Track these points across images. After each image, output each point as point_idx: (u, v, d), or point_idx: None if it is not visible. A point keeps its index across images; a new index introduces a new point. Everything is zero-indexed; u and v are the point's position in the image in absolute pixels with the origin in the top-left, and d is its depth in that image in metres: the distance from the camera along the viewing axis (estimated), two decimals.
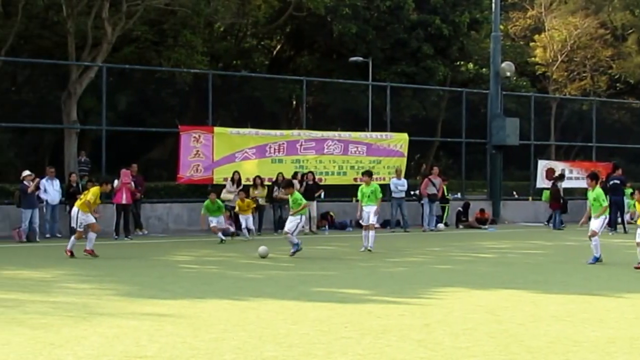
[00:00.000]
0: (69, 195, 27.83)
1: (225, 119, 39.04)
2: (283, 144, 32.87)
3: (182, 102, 44.89)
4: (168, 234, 29.17)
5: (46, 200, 27.46)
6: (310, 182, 30.92)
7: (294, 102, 45.64)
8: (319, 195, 31.45)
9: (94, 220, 20.73)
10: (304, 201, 21.68)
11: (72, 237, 20.63)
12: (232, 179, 29.83)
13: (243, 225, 27.26)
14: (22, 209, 26.26)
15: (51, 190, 27.66)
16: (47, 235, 27.35)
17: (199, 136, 31.28)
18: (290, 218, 21.48)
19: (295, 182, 30.66)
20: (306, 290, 14.69)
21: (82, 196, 21.29)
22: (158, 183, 32.35)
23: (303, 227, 23.51)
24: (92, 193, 20.75)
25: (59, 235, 27.64)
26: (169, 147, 36.89)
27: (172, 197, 31.49)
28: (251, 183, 30.45)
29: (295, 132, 34.45)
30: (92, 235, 20.43)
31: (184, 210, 30.94)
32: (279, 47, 50.29)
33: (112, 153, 30.58)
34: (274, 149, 32.64)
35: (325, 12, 40.55)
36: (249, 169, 31.42)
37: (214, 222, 26.13)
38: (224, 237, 25.87)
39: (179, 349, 9.32)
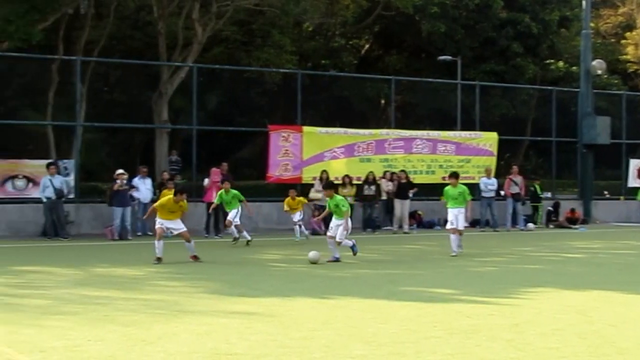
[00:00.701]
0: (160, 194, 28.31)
1: (314, 118, 39.16)
2: (371, 143, 32.85)
3: (271, 102, 45.13)
4: (257, 233, 29.33)
5: (138, 199, 27.89)
6: (403, 181, 30.87)
7: (382, 102, 45.52)
8: (413, 194, 31.29)
9: (182, 228, 19.36)
10: (347, 207, 19.67)
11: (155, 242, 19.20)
12: (321, 178, 29.91)
13: (295, 219, 26.30)
14: (114, 207, 26.72)
15: (143, 188, 28.10)
16: (139, 233, 27.79)
17: (288, 135, 31.45)
18: (334, 221, 19.65)
19: (384, 181, 30.68)
20: (394, 289, 14.64)
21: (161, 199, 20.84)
22: (247, 182, 32.56)
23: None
24: (161, 202, 19.65)
25: (150, 234, 27.99)
26: (258, 147, 37.10)
27: (262, 196, 31.66)
28: (340, 182, 30.49)
29: (384, 131, 34.37)
30: (187, 245, 19.32)
31: (273, 209, 31.08)
32: (367, 46, 50.23)
33: (202, 152, 30.93)
34: (363, 148, 32.65)
35: (413, 11, 40.38)
36: (338, 168, 31.47)
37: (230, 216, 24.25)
38: (237, 235, 24.28)
39: (268, 347, 9.36)
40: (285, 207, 26.71)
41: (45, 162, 27.97)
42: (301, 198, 27.01)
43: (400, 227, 30.48)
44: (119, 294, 13.87)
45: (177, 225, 19.31)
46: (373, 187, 30.73)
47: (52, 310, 12.04)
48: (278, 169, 31.16)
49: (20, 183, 28.05)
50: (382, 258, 20.86)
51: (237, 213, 24.13)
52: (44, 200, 26.47)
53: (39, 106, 37.19)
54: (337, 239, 19.46)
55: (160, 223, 18.87)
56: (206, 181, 27.95)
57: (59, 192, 26.44)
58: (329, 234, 19.76)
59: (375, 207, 31.08)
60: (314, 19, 39.83)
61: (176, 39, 35.28)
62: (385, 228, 31.27)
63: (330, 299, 13.29)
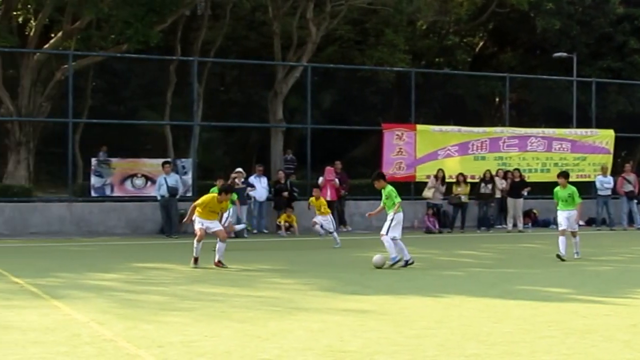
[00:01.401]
0: (276, 192, 28.58)
1: (428, 117, 38.96)
2: (486, 141, 32.51)
3: (385, 100, 45.09)
4: (371, 231, 29.31)
5: (254, 197, 28.19)
6: (517, 179, 30.49)
7: (497, 99, 45.02)
8: (527, 193, 30.87)
9: (218, 227, 18.14)
10: (399, 198, 17.91)
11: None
12: (436, 177, 29.76)
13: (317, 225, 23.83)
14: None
15: (259, 187, 28.39)
16: (255, 231, 28.09)
17: (402, 134, 31.37)
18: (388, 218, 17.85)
19: (497, 179, 30.32)
20: (509, 288, 14.45)
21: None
22: (361, 180, 32.52)
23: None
24: (203, 201, 18.20)
25: (266, 231, 28.38)
26: (372, 145, 37.12)
27: (375, 194, 31.54)
28: (454, 180, 30.31)
29: (498, 129, 33.99)
30: (220, 245, 17.86)
31: None
32: (481, 44, 49.73)
33: (316, 151, 31.07)
34: (477, 146, 32.33)
35: (528, 7, 39.81)
36: (452, 167, 31.24)
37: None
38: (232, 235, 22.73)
39: (381, 345, 9.34)
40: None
41: (162, 160, 28.53)
42: (323, 200, 24.49)
43: (515, 225, 30.08)
44: (235, 290, 14.04)
45: (215, 225, 18.15)
46: (490, 186, 30.42)
47: (169, 306, 12.26)
48: (392, 167, 31.09)
49: (139, 182, 28.68)
50: (496, 256, 20.62)
51: (229, 215, 21.84)
52: (159, 198, 27.04)
53: (157, 106, 38.00)
54: (383, 233, 17.71)
55: (200, 223, 17.90)
56: (320, 180, 28.08)
57: (172, 191, 26.96)
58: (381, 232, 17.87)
59: (491, 205, 30.75)
60: (427, 17, 39.63)
61: (291, 38, 35.57)
62: (499, 226, 30.92)
63: (443, 297, 13.20)
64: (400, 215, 17.85)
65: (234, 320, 10.95)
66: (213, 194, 18.77)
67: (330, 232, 23.33)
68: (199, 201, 18.15)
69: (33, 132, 32.88)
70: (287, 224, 28.02)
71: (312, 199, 24.60)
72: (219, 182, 21.37)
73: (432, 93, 42.41)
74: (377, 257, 17.83)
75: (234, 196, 22.56)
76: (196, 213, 17.92)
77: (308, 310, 11.83)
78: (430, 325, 10.65)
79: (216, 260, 17.62)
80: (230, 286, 14.59)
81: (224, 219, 20.36)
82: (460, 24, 45.40)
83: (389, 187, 18.11)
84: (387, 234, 17.59)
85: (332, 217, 23.73)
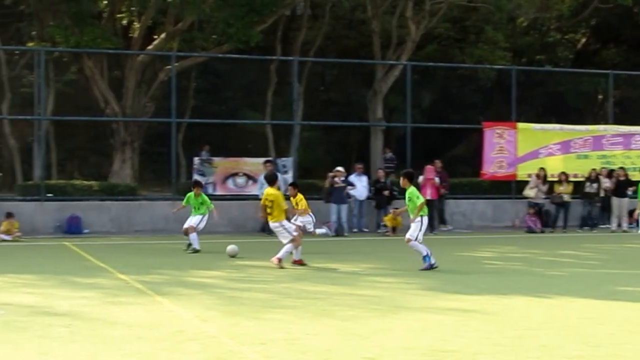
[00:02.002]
0: (376, 191, 28.56)
1: (529, 115, 38.39)
2: (588, 139, 31.96)
3: (485, 98, 44.62)
4: (472, 230, 29.14)
5: (354, 196, 28.22)
6: (622, 178, 29.89)
7: (599, 97, 44.16)
8: (632, 192, 30.22)
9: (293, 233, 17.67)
10: (421, 199, 17.05)
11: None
12: (538, 175, 29.36)
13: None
14: (331, 204, 27.16)
15: (359, 186, 28.41)
16: (355, 230, 28.12)
17: (503, 132, 31.05)
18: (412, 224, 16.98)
19: (601, 178, 29.76)
20: (613, 289, 14.17)
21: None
22: (462, 179, 32.35)
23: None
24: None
25: (366, 230, 28.38)
26: (472, 144, 36.80)
27: (476, 193, 31.38)
28: (556, 179, 29.87)
29: (601, 127, 33.38)
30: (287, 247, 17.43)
31: (488, 207, 30.80)
32: (583, 40, 48.79)
33: (416, 149, 30.96)
34: (579, 145, 31.81)
35: (632, 2, 38.91)
36: (554, 165, 30.79)
37: (192, 220, 21.53)
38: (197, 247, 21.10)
39: (483, 345, 9.26)
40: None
41: (264, 160, 28.76)
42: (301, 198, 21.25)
43: (619, 225, 29.49)
44: (336, 289, 14.08)
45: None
46: (595, 185, 29.89)
47: (272, 303, 12.36)
48: (492, 166, 30.81)
49: (240, 180, 28.99)
50: (600, 257, 20.24)
51: (201, 219, 21.55)
52: (260, 196, 27.22)
53: (258, 106, 38.34)
54: (407, 237, 17.00)
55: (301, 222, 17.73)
56: (420, 178, 27.94)
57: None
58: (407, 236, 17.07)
59: (596, 205, 30.20)
60: (528, 13, 39.06)
61: (390, 37, 35.50)
62: (602, 226, 30.32)
63: (547, 298, 13.01)
64: (426, 218, 17.18)
65: (336, 318, 10.99)
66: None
67: (311, 232, 20.79)
68: (284, 201, 17.94)
69: (137, 131, 33.52)
70: (391, 226, 27.73)
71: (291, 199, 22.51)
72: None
73: (533, 91, 41.80)
74: (230, 247, 18.66)
75: (210, 204, 21.99)
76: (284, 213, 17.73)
77: (409, 309, 11.80)
78: (533, 325, 10.52)
79: (296, 259, 17.69)
80: (332, 284, 14.64)
81: (194, 222, 21.11)
82: (561, 21, 44.60)
83: (412, 188, 17.15)
84: (416, 239, 16.85)
85: (312, 215, 20.99)
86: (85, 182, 29.75)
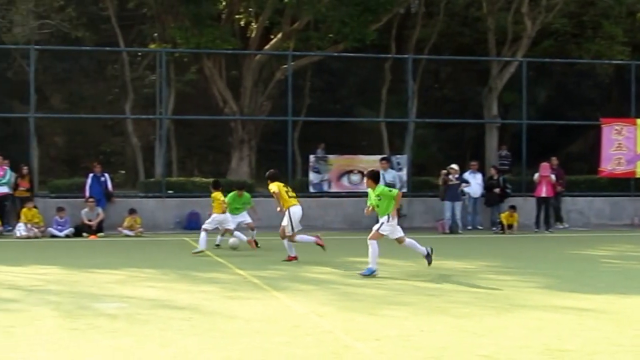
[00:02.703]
0: (488, 188, 28.25)
1: None
2: None
3: (603, 94, 43.63)
4: (589, 228, 28.56)
5: (468, 193, 27.98)
6: None
7: None
8: None
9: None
10: (394, 191, 15.88)
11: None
12: None
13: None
14: (445, 201, 27.00)
15: (473, 183, 28.16)
16: (469, 227, 27.87)
17: (621, 129, 30.34)
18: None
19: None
20: None
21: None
22: (578, 176, 31.71)
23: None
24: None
25: (480, 228, 28.10)
26: (589, 140, 36.09)
27: (593, 190, 30.73)
28: None
29: None
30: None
31: (605, 204, 30.15)
32: None
33: (532, 146, 30.50)
34: None
35: None
36: None
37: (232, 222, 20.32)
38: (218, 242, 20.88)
39: (600, 345, 9.06)
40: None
41: (379, 157, 28.75)
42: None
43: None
44: (451, 286, 13.98)
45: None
46: None
47: (386, 300, 12.35)
48: (610, 163, 30.13)
49: (355, 177, 29.06)
50: None
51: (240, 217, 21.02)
52: None
53: (373, 104, 38.33)
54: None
55: None
56: (536, 176, 27.52)
57: (390, 186, 27.06)
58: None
59: None
60: None
61: (505, 33, 35.06)
62: None
63: None
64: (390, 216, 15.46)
65: (451, 316, 10.91)
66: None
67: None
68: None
69: (255, 130, 33.92)
70: (506, 224, 27.41)
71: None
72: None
73: None
74: (231, 240, 18.57)
75: (251, 202, 21.83)
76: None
77: (525, 307, 11.63)
78: None
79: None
80: (446, 282, 14.54)
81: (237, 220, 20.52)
82: None
83: (380, 187, 15.87)
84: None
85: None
86: (204, 180, 30.21)
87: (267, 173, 18.66)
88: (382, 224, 15.40)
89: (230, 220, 20.14)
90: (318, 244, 18.08)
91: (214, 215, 19.76)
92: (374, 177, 16.04)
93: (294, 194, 18.18)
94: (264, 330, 9.78)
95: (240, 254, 19.35)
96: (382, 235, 15.33)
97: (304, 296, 12.65)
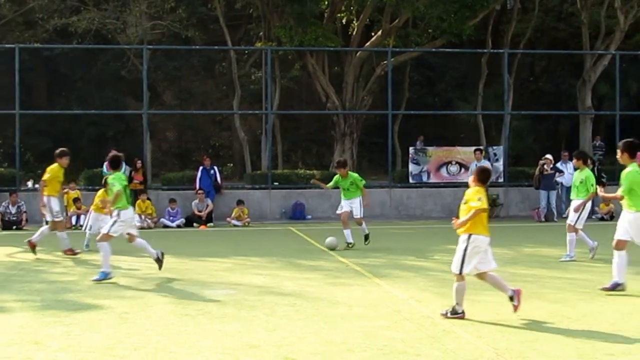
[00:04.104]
0: None
1: None
2: None
3: None
4: None
5: (561, 183, 27.54)
6: None
7: None
8: None
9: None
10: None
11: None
12: None
13: None
14: (540, 190, 26.65)
15: (567, 173, 27.71)
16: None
17: None
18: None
19: None
20: None
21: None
22: None
23: None
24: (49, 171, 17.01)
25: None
26: None
27: None
28: None
29: None
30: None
31: None
32: None
33: (625, 136, 29.73)
34: None
35: None
36: None
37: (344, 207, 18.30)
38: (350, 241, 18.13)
39: None
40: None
41: (474, 148, 28.54)
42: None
43: None
44: (546, 272, 13.83)
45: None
46: None
47: (483, 286, 12.17)
48: None
49: (453, 168, 28.93)
50: None
51: (359, 205, 18.17)
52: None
53: (470, 97, 38.01)
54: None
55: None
56: None
57: None
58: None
59: None
60: None
61: (599, 28, 34.43)
62: None
63: None
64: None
65: (546, 301, 10.81)
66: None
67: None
68: None
69: (356, 123, 33.97)
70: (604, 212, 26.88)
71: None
72: None
73: None
74: (329, 240, 17.84)
75: (361, 182, 18.27)
76: None
77: (618, 293, 11.42)
78: None
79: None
80: (542, 268, 14.40)
81: (355, 211, 18.07)
82: None
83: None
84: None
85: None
86: (308, 172, 30.43)
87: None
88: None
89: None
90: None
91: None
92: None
93: None
94: (366, 315, 9.84)
95: (342, 242, 19.43)
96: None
97: (404, 283, 12.67)
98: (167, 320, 9.70)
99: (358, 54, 33.81)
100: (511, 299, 9.70)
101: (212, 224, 25.45)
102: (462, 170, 28.64)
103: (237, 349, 8.20)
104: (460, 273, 9.67)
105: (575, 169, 16.74)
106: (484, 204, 9.74)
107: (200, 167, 27.48)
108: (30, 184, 28.80)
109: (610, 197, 12.81)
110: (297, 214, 27.45)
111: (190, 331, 9.08)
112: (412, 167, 29.23)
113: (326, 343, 8.44)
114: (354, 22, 34.88)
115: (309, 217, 27.52)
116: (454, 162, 29.03)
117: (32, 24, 36.27)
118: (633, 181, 11.32)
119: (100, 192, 17.10)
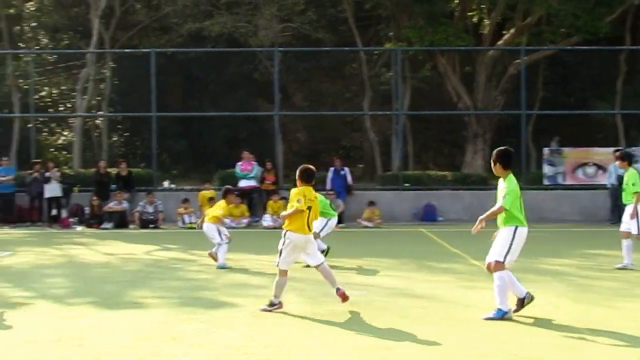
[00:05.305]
0: None
1: None
2: None
3: None
4: None
5: None
6: None
7: None
8: None
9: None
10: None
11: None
12: None
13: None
14: None
15: None
16: None
17: None
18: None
19: None
20: None
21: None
22: None
23: None
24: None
25: None
26: None
27: None
28: None
29: None
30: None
31: None
32: None
33: None
34: None
35: None
36: None
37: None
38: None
39: None
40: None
41: (612, 149, 27.83)
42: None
43: None
44: None
45: None
46: None
47: (623, 292, 11.98)
48: None
49: (590, 170, 28.31)
50: None
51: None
52: (608, 186, 26.41)
53: (607, 95, 37.05)
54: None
55: None
56: None
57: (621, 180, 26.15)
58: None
59: None
60: None
61: None
62: None
63: None
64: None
65: None
66: None
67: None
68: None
69: (488, 124, 33.65)
70: None
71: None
72: None
73: None
74: None
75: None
76: None
77: None
78: None
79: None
80: None
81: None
82: None
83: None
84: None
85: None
86: (440, 173, 30.30)
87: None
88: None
89: None
90: None
91: None
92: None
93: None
94: (499, 320, 9.71)
95: (476, 244, 19.26)
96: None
97: (540, 287, 12.45)
98: (300, 320, 9.83)
99: (490, 53, 33.47)
100: None
101: (343, 225, 25.57)
102: (600, 171, 27.98)
103: (368, 350, 8.24)
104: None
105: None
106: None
107: (331, 168, 27.66)
108: (166, 184, 29.65)
109: None
110: (428, 215, 27.33)
111: (322, 331, 9.17)
112: (546, 169, 28.75)
113: (458, 347, 8.39)
114: (485, 20, 34.53)
115: (441, 218, 27.35)
116: (591, 164, 28.39)
117: (167, 29, 37.24)
118: None
119: (222, 203, 16.38)
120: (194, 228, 22.56)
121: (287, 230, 10.57)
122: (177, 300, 11.26)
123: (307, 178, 10.89)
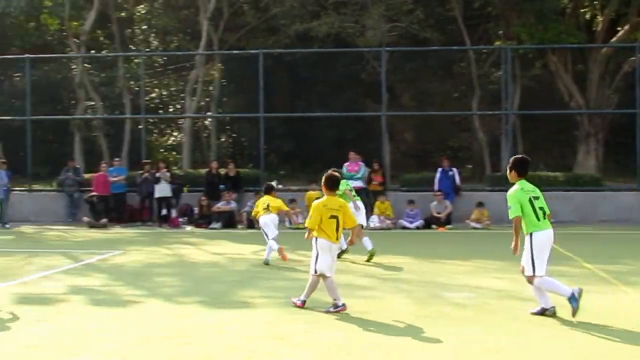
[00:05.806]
0: None
1: None
2: None
3: None
4: None
5: None
6: None
7: None
8: None
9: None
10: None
11: None
12: None
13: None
14: None
15: None
16: None
17: None
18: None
19: None
20: None
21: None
22: None
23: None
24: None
25: None
26: None
27: None
28: None
29: None
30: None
31: None
32: None
33: None
34: None
35: None
36: None
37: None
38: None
39: None
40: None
41: None
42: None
43: None
44: None
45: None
46: None
47: None
48: None
49: None
50: None
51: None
52: None
53: None
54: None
55: None
56: None
57: None
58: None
59: None
60: None
61: None
62: None
63: None
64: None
65: None
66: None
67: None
68: None
69: (601, 123, 32.96)
70: None
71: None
72: None
73: None
74: None
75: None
76: None
77: None
78: None
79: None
80: None
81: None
82: None
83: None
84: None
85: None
86: (550, 173, 29.78)
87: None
88: None
89: None
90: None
91: None
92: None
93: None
94: (613, 326, 9.55)
95: (589, 246, 18.90)
96: None
97: None
98: (407, 321, 9.84)
99: (603, 50, 32.77)
100: None
101: (451, 226, 25.40)
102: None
103: (476, 354, 8.16)
104: None
105: None
106: None
107: (439, 169, 27.49)
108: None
109: None
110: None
111: (430, 333, 9.13)
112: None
113: (570, 352, 8.25)
114: (598, 17, 33.82)
115: (552, 221, 26.83)
116: None
117: (274, 30, 37.58)
118: None
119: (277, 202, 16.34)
120: (301, 228, 22.71)
121: (316, 238, 10.79)
122: (283, 300, 11.37)
123: (332, 185, 11.06)
